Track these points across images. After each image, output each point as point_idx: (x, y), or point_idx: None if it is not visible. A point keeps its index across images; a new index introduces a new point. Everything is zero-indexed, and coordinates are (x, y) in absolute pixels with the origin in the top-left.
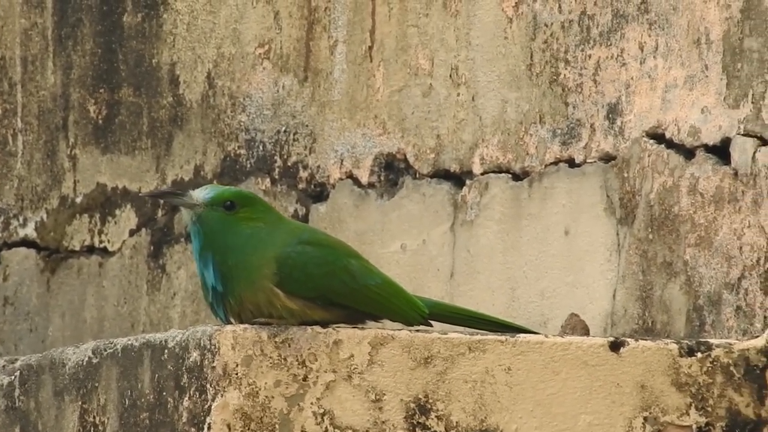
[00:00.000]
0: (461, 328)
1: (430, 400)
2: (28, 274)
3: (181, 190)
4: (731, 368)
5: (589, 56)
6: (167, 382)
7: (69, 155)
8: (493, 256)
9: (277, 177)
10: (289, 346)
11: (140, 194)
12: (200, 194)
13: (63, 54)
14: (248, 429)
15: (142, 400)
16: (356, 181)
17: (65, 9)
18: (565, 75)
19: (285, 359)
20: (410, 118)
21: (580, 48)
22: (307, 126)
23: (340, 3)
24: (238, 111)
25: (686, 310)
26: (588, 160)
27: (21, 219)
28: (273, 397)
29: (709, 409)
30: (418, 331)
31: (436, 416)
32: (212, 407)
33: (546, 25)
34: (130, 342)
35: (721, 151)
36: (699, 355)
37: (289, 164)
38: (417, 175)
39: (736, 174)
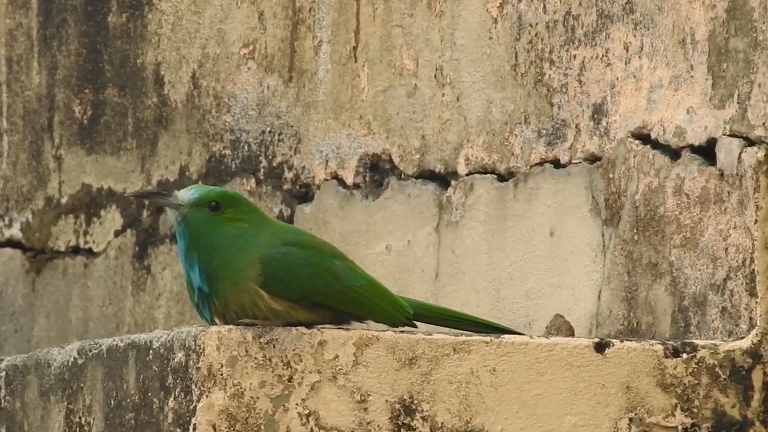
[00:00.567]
0: (446, 329)
1: (415, 401)
2: (13, 274)
3: (167, 191)
4: (717, 369)
5: (574, 56)
6: (152, 382)
7: (54, 156)
8: (478, 256)
9: (262, 177)
10: (274, 347)
11: (125, 195)
12: (185, 195)
13: (48, 54)
14: (233, 430)
15: (128, 400)
16: (341, 182)
17: (50, 9)
18: (550, 75)
19: (270, 360)
20: (395, 119)
21: (565, 48)
22: (292, 126)
23: (325, 3)
24: (223, 111)
25: (671, 311)
26: (573, 161)
27: (6, 219)
28: (258, 398)
29: (695, 410)
30: (402, 332)
31: (421, 417)
32: (197, 408)
33: (531, 26)
34: (115, 343)
35: (706, 152)
36: (684, 356)
37: (274, 165)
38: (402, 176)
39: (721, 175)
